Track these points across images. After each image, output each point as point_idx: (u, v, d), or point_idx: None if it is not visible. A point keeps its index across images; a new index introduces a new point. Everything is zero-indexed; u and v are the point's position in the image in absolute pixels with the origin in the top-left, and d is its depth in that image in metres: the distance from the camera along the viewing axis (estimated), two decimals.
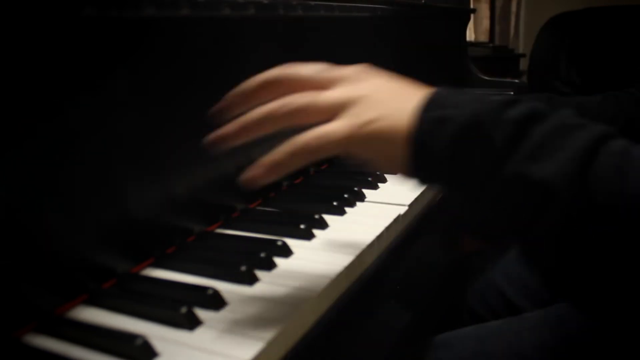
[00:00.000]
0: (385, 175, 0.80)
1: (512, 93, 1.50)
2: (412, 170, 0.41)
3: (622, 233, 0.35)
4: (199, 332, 0.42)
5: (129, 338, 0.39)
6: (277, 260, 0.53)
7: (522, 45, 3.05)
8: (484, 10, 3.08)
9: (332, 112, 0.42)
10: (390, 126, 0.41)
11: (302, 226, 0.59)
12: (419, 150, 0.40)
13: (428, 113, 0.40)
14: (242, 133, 0.43)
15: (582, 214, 0.35)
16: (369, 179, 0.77)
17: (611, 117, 0.88)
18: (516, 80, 1.64)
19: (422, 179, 0.42)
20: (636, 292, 0.35)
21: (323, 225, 0.61)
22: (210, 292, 0.45)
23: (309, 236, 0.59)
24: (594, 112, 0.89)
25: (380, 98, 0.42)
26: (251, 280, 0.49)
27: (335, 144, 0.41)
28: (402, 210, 0.67)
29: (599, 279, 0.37)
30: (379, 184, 0.77)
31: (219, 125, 0.45)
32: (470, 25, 2.69)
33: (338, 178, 0.83)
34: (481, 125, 0.38)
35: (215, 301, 0.45)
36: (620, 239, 0.35)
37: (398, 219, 0.65)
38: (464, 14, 1.66)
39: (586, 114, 0.89)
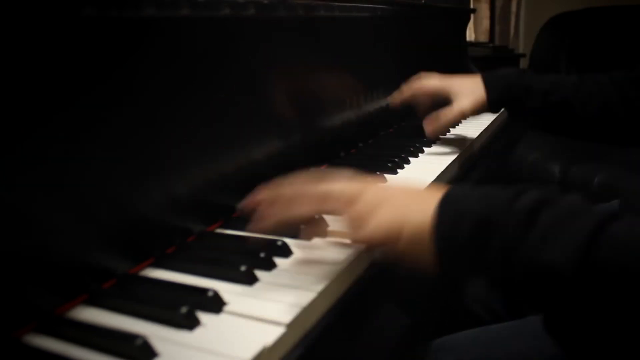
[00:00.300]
0: (386, 176, 0.79)
1: None
2: (439, 262, 0.46)
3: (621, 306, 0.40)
4: (199, 332, 0.42)
5: (129, 338, 0.39)
6: (277, 260, 0.53)
7: (522, 45, 3.05)
8: (484, 10, 3.08)
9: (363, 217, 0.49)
10: (415, 226, 0.47)
11: (302, 226, 0.59)
12: (441, 244, 0.45)
13: (446, 210, 0.46)
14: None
15: (584, 292, 0.40)
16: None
17: (586, 99, 0.87)
18: None
19: (449, 270, 0.46)
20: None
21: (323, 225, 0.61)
22: (210, 294, 0.45)
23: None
24: (568, 92, 0.88)
25: (403, 203, 0.49)
26: (251, 280, 0.49)
27: (374, 245, 0.49)
28: None
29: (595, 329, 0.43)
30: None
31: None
32: (470, 25, 2.69)
33: None
34: (495, 216, 0.43)
35: (216, 302, 0.45)
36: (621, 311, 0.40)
37: None
38: (464, 14, 1.66)
39: (560, 93, 0.88)
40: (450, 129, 1.13)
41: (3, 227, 0.41)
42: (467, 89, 0.96)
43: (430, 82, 1.01)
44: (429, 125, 0.96)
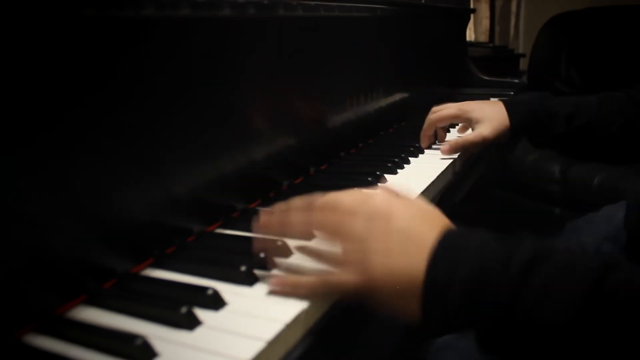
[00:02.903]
0: (386, 176, 0.80)
1: (512, 93, 1.50)
2: (426, 319, 0.42)
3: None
4: (198, 332, 0.42)
5: (129, 338, 0.39)
6: (277, 260, 0.53)
7: (522, 45, 3.05)
8: (484, 10, 3.08)
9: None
10: (400, 279, 0.43)
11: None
12: (430, 302, 0.42)
13: (437, 266, 0.42)
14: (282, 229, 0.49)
15: (585, 345, 0.38)
16: (369, 179, 0.77)
17: (609, 118, 0.88)
18: (516, 80, 1.64)
19: (436, 328, 0.43)
20: None
21: None
22: (210, 292, 0.45)
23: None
24: (592, 113, 0.89)
25: (390, 247, 0.44)
26: (251, 280, 0.49)
27: (345, 293, 0.45)
28: None
29: None
30: (379, 185, 0.77)
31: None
32: (470, 25, 2.69)
33: (337, 178, 0.83)
34: (488, 278, 0.40)
35: (215, 301, 0.45)
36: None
37: None
38: (464, 14, 1.66)
39: (585, 115, 0.89)
40: (450, 130, 1.13)
41: (3, 227, 0.41)
42: (488, 115, 0.93)
43: (447, 111, 0.98)
44: (446, 153, 0.93)
